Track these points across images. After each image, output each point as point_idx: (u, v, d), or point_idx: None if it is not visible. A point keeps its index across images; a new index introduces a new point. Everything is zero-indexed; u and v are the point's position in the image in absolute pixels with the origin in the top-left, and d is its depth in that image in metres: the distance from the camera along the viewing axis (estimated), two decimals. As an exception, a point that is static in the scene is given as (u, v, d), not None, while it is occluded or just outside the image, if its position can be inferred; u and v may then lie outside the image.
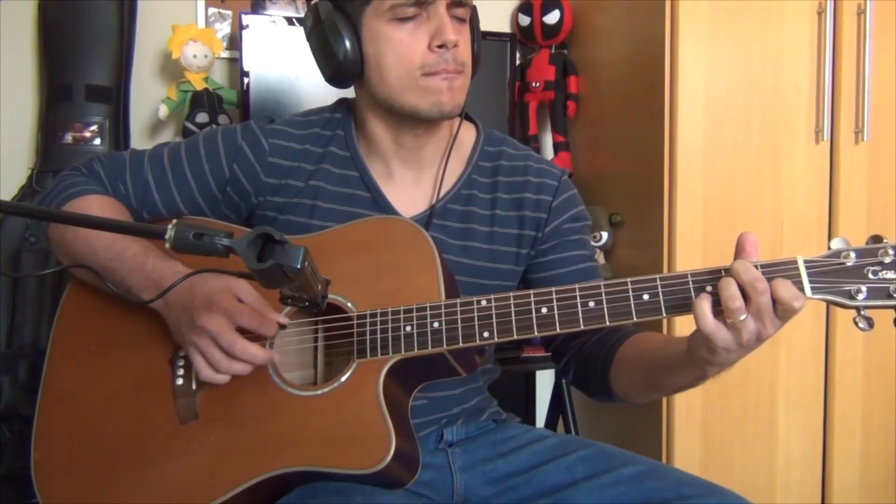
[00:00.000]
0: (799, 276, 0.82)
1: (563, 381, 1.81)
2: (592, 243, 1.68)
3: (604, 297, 0.89)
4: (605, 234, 1.89)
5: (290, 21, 1.85)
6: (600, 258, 1.91)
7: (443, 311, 0.94)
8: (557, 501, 0.99)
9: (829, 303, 0.83)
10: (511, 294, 0.93)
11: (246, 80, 1.82)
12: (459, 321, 0.93)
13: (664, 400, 1.68)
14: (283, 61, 1.83)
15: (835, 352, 1.74)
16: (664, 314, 0.87)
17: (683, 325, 1.49)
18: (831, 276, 0.82)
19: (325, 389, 0.95)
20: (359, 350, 0.95)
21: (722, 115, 1.67)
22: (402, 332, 0.94)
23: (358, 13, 1.03)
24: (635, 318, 0.88)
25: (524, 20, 2.10)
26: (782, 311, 0.80)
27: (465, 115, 1.13)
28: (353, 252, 1.01)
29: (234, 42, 1.94)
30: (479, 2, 1.09)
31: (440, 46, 1.00)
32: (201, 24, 1.95)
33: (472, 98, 1.09)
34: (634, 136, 1.82)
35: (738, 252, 0.84)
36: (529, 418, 2.11)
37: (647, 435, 1.74)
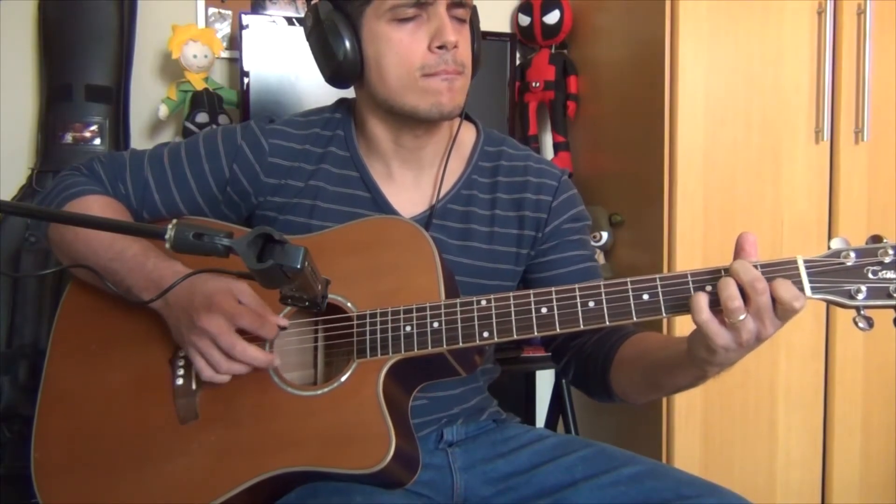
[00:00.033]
0: (799, 275, 0.82)
1: (563, 381, 1.81)
2: (592, 243, 1.68)
3: (604, 297, 0.89)
4: (605, 234, 1.89)
5: (290, 21, 1.85)
6: (600, 258, 1.91)
7: (443, 311, 0.94)
8: (557, 501, 0.99)
9: (828, 303, 0.83)
10: (511, 294, 0.93)
11: (246, 80, 1.82)
12: (459, 321, 0.93)
13: (664, 400, 1.68)
14: (283, 61, 1.83)
15: (835, 352, 1.74)
16: (664, 314, 0.87)
17: (683, 325, 1.49)
18: (831, 275, 0.82)
19: (325, 389, 0.95)
20: (359, 350, 0.95)
21: (722, 115, 1.67)
22: (401, 332, 0.94)
23: (358, 13, 1.03)
24: (635, 318, 0.88)
25: (524, 20, 2.10)
26: (782, 311, 0.80)
27: (465, 116, 1.13)
28: (352, 252, 1.01)
29: (234, 42, 1.94)
30: (479, 2, 1.09)
31: (440, 47, 1.00)
32: (201, 24, 1.95)
33: (472, 98, 1.09)
34: (634, 136, 1.82)
35: (738, 252, 0.84)
36: (529, 418, 2.11)
37: (647, 435, 1.74)
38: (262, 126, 1.12)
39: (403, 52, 1.01)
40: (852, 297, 0.81)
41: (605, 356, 1.06)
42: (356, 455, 0.90)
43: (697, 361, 0.87)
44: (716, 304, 0.82)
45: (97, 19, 1.79)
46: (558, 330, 0.90)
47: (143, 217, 1.11)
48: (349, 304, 0.97)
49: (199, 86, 1.86)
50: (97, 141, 1.79)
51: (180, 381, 0.99)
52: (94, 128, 1.79)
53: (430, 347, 0.93)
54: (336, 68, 1.05)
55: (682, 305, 0.85)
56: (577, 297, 0.90)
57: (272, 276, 0.76)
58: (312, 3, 1.08)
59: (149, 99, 1.91)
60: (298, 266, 0.75)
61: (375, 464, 0.89)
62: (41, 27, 1.82)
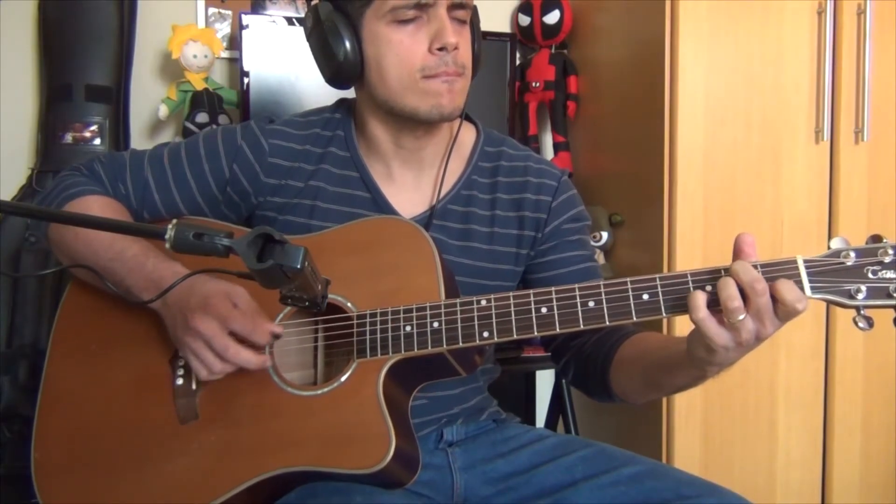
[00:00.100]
0: (798, 275, 0.82)
1: (563, 381, 1.81)
2: (592, 243, 1.68)
3: (603, 296, 0.89)
4: (605, 234, 1.89)
5: (290, 21, 1.85)
6: (600, 258, 1.91)
7: (442, 311, 0.94)
8: (557, 501, 0.99)
9: (828, 302, 0.83)
10: (511, 294, 0.93)
11: (246, 80, 1.82)
12: (459, 321, 0.93)
13: (664, 400, 1.68)
14: (283, 61, 1.83)
15: (835, 352, 1.74)
16: (664, 314, 0.87)
17: (683, 325, 1.49)
18: (831, 275, 0.82)
19: (325, 389, 0.95)
20: (359, 350, 0.95)
21: (722, 115, 1.67)
22: (401, 332, 0.94)
23: (358, 14, 1.03)
24: (635, 318, 0.88)
25: (524, 20, 2.10)
26: (784, 313, 0.80)
27: (466, 116, 1.13)
28: (352, 252, 1.01)
29: (234, 42, 1.94)
30: (479, 2, 1.09)
31: (440, 49, 1.00)
32: (201, 24, 1.95)
33: (472, 98, 1.09)
34: (634, 136, 1.82)
35: (737, 254, 0.84)
36: (529, 418, 2.11)
37: (647, 435, 1.74)
38: (262, 126, 1.12)
39: (404, 53, 1.01)
40: (852, 297, 0.81)
41: (604, 356, 1.06)
42: (356, 455, 0.90)
43: (697, 361, 0.87)
44: (715, 304, 0.82)
45: (97, 19, 1.79)
46: (558, 330, 0.90)
47: (143, 217, 1.11)
48: (349, 304, 0.97)
49: (199, 86, 1.86)
50: (97, 141, 1.79)
51: (180, 381, 0.99)
52: (94, 128, 1.79)
53: (430, 347, 0.93)
54: (336, 69, 1.05)
55: (681, 305, 0.85)
56: (577, 297, 0.90)
57: (272, 276, 0.76)
58: (313, 3, 1.08)
59: (149, 99, 1.91)
60: (298, 266, 0.75)
61: (375, 464, 0.89)
62: (41, 27, 1.82)
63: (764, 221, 1.69)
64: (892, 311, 0.81)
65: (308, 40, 1.09)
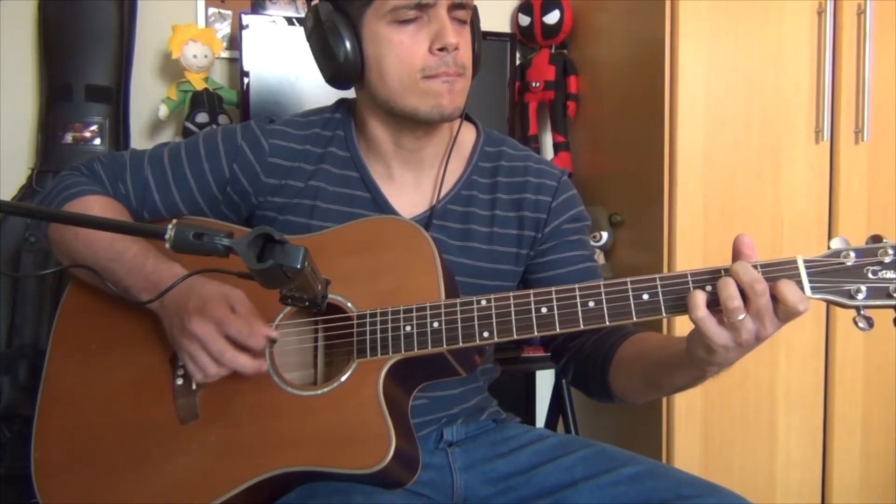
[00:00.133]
0: (799, 275, 0.82)
1: (563, 381, 1.81)
2: (592, 243, 1.68)
3: (604, 297, 0.89)
4: (605, 234, 1.89)
5: (290, 21, 1.85)
6: (600, 258, 1.91)
7: (442, 311, 0.94)
8: (557, 501, 0.99)
9: (828, 302, 0.83)
10: (511, 294, 0.93)
11: (246, 80, 1.82)
12: (459, 321, 0.93)
13: (664, 400, 1.68)
14: (283, 61, 1.83)
15: (835, 352, 1.74)
16: (664, 314, 0.87)
17: (683, 326, 1.49)
18: (831, 275, 0.82)
19: (325, 389, 0.95)
20: (359, 350, 0.95)
21: (722, 115, 1.67)
22: (401, 332, 0.94)
23: (358, 15, 1.03)
24: (635, 318, 0.88)
25: (524, 20, 2.10)
26: (785, 313, 0.80)
27: (466, 116, 1.13)
28: (352, 252, 1.01)
29: (234, 42, 1.94)
30: (479, 2, 1.09)
31: (441, 49, 1.00)
32: (201, 24, 1.95)
33: (472, 98, 1.09)
34: (634, 136, 1.82)
35: (736, 255, 0.84)
36: (529, 418, 2.11)
37: (647, 435, 1.74)
38: (262, 126, 1.12)
39: (404, 53, 1.01)
40: (852, 297, 0.81)
41: (604, 356, 1.06)
42: (356, 455, 0.90)
43: (697, 361, 0.87)
44: (715, 304, 0.82)
45: (97, 19, 1.79)
46: (558, 330, 0.90)
47: (143, 217, 1.11)
48: (349, 304, 0.97)
49: (199, 86, 1.86)
50: (97, 141, 1.79)
51: (180, 381, 0.99)
52: (94, 128, 1.79)
53: (430, 347, 0.93)
54: (336, 69, 1.05)
55: (682, 305, 0.85)
56: (577, 297, 0.90)
57: (272, 276, 0.76)
58: (313, 3, 1.08)
59: (149, 99, 1.91)
60: (298, 266, 0.75)
61: (375, 464, 0.89)
62: (41, 27, 1.82)
63: (764, 221, 1.69)
64: (892, 311, 0.81)
65: (308, 40, 1.09)
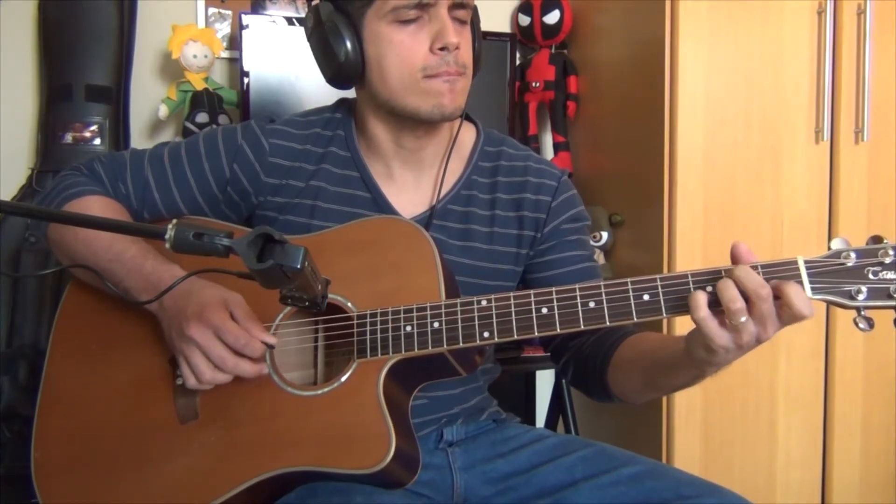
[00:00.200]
0: (799, 276, 0.82)
1: (563, 380, 1.81)
2: (592, 243, 1.68)
3: (604, 297, 0.89)
4: (605, 234, 1.89)
5: (290, 21, 1.85)
6: (600, 258, 1.91)
7: (443, 311, 0.94)
8: (557, 501, 0.99)
9: (829, 303, 0.83)
10: (511, 294, 0.93)
11: (246, 80, 1.82)
12: (459, 321, 0.93)
13: (664, 400, 1.68)
14: (283, 61, 1.83)
15: (835, 352, 1.74)
16: (664, 314, 0.87)
17: (683, 326, 1.49)
18: (831, 276, 0.82)
19: (326, 389, 0.95)
20: (359, 350, 0.95)
21: (722, 115, 1.67)
22: (402, 332, 0.94)
23: (359, 14, 1.03)
24: (635, 319, 0.88)
25: (524, 20, 2.10)
26: (789, 316, 0.80)
27: (466, 116, 1.13)
28: (353, 252, 1.01)
29: (234, 42, 1.94)
30: (479, 2, 1.09)
31: (442, 49, 1.00)
32: (201, 24, 1.95)
33: (472, 98, 1.09)
34: (634, 136, 1.82)
35: (735, 262, 0.84)
36: (529, 418, 2.11)
37: (647, 435, 1.74)
38: (262, 126, 1.12)
39: (405, 53, 1.01)
40: (853, 298, 0.81)
41: (603, 356, 1.06)
42: (356, 455, 0.90)
43: (696, 361, 0.87)
44: (716, 305, 0.82)
45: (97, 19, 1.79)
46: (559, 330, 0.90)
47: (143, 217, 1.11)
48: (349, 304, 0.97)
49: (199, 86, 1.86)
50: (97, 141, 1.79)
51: (180, 381, 0.99)
52: (94, 128, 1.79)
53: (430, 347, 0.93)
54: (337, 69, 1.05)
55: (682, 306, 0.85)
56: (578, 297, 0.90)
57: (272, 276, 0.76)
58: (313, 3, 1.08)
59: (149, 99, 1.91)
60: (298, 266, 0.75)
61: (375, 464, 0.89)
62: (41, 27, 1.82)
63: (764, 221, 1.69)
64: (892, 311, 0.82)
65: (309, 40, 1.09)
